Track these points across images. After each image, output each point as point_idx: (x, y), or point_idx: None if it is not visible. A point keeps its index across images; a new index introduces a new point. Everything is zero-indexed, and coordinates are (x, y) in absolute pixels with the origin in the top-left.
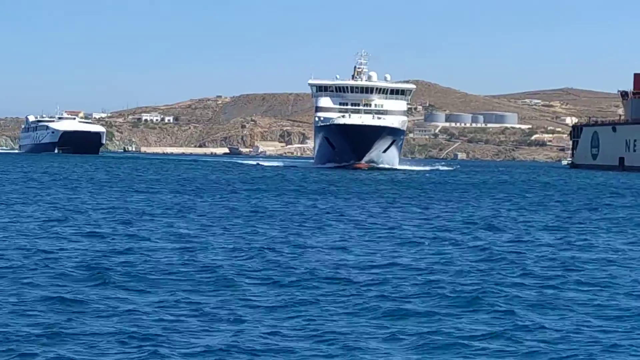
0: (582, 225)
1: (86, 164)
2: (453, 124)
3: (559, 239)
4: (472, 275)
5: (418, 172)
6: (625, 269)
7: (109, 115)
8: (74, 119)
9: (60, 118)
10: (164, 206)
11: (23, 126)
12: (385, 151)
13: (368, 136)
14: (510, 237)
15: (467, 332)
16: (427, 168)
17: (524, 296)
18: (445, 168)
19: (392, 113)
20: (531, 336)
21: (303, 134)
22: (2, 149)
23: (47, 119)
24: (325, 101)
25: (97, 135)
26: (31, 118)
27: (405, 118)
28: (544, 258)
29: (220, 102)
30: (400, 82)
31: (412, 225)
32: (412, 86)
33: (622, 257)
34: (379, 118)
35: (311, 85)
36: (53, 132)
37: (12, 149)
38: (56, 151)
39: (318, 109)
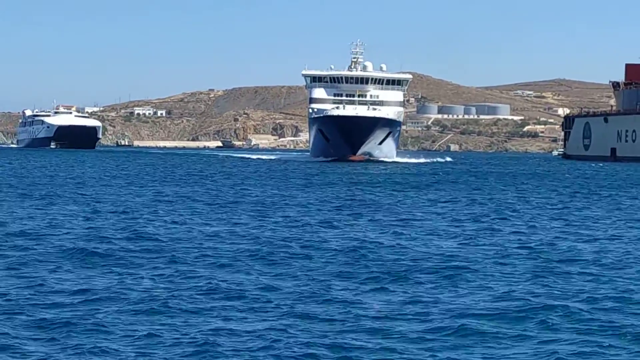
0: None
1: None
2: (445, 116)
3: None
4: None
5: (418, 164)
6: None
7: (101, 109)
8: (70, 113)
9: (56, 112)
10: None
11: (20, 121)
12: (381, 143)
13: (363, 128)
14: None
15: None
16: (425, 160)
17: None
18: (448, 159)
19: (388, 104)
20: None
21: (296, 127)
22: None
23: (43, 113)
24: (319, 92)
25: (93, 129)
26: (28, 112)
27: (401, 109)
28: None
29: (212, 95)
30: (395, 72)
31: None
32: (408, 76)
33: None
34: (375, 109)
35: (305, 76)
36: (48, 127)
37: (4, 143)
38: (52, 146)
39: (312, 100)
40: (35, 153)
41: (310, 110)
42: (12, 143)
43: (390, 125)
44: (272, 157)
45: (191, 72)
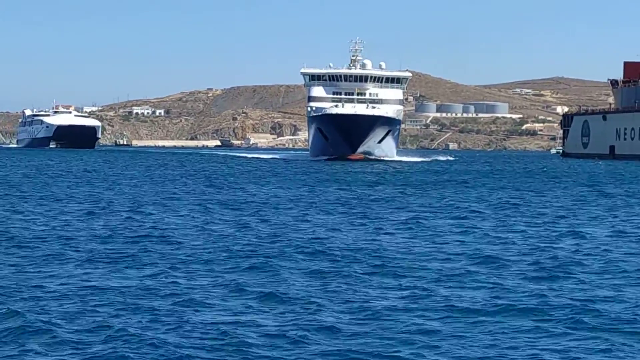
0: None
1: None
2: (444, 115)
3: None
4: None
5: (419, 163)
6: None
7: (99, 108)
8: (70, 113)
9: (56, 112)
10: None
11: (20, 120)
12: (380, 142)
13: (361, 126)
14: None
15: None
16: (426, 159)
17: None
18: (450, 158)
19: (388, 102)
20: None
21: (294, 126)
22: None
23: (42, 113)
24: (317, 90)
25: (93, 129)
26: (28, 112)
27: (401, 107)
28: None
29: (211, 94)
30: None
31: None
32: (408, 74)
33: None
34: (374, 107)
35: (304, 74)
36: (47, 127)
37: (4, 143)
38: (52, 145)
39: (310, 98)
40: (34, 153)
41: (309, 109)
42: (12, 143)
43: (389, 123)
44: (276, 156)
45: (189, 72)
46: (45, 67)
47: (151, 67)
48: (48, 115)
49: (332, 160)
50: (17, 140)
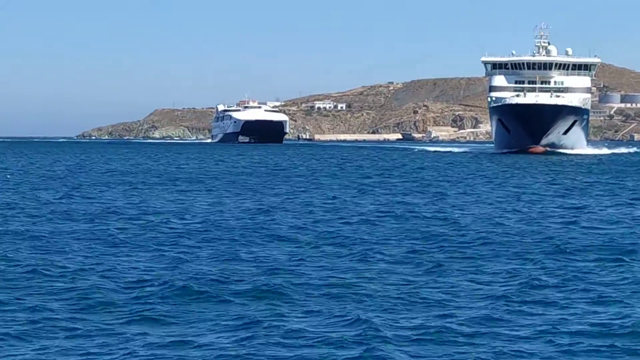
0: None
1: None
2: (629, 105)
3: None
4: None
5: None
6: None
7: (282, 104)
8: (260, 108)
9: (246, 107)
10: None
11: (214, 116)
12: (566, 132)
13: (543, 116)
14: None
15: None
16: (623, 151)
17: None
18: None
19: (573, 90)
20: None
21: (475, 119)
22: (190, 139)
23: (233, 108)
24: (499, 80)
25: (280, 124)
26: (220, 107)
27: (588, 95)
28: None
29: (392, 88)
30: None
31: None
32: (597, 60)
33: None
34: (558, 96)
35: (485, 62)
36: (235, 122)
37: (188, 138)
38: (244, 140)
39: (491, 88)
40: (224, 148)
41: (490, 99)
42: (202, 138)
43: (575, 113)
44: (465, 149)
45: (370, 66)
46: (233, 64)
47: (332, 61)
48: (238, 110)
49: (514, 153)
50: (212, 136)
